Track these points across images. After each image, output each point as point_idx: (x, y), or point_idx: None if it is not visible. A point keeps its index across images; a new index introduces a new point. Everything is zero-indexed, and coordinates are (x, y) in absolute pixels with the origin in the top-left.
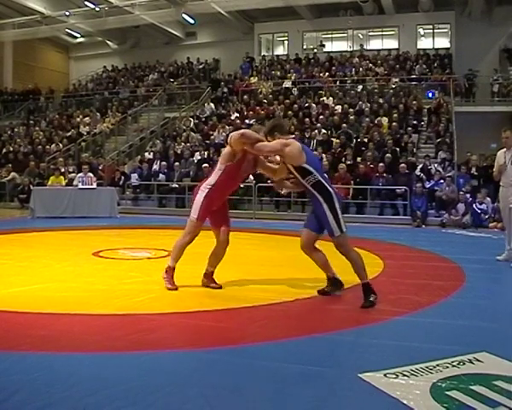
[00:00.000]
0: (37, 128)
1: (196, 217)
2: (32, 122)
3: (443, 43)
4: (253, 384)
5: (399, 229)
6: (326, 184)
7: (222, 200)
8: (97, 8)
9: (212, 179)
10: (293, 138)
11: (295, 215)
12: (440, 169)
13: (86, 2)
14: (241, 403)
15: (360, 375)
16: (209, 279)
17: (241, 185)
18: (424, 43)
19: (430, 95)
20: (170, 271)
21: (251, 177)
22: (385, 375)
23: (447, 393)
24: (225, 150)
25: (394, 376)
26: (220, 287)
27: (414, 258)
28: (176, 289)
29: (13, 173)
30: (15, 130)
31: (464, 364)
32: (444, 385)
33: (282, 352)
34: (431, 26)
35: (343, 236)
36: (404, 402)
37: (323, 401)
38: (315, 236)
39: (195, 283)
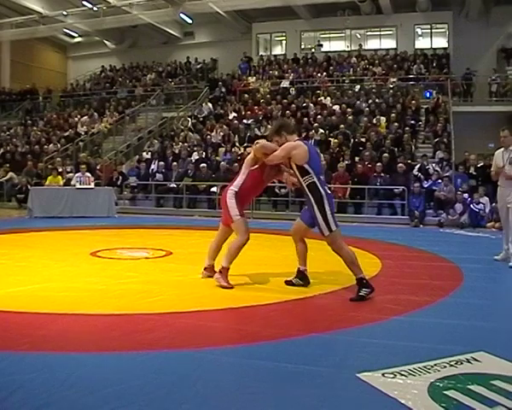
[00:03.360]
0: (34, 128)
1: (239, 214)
2: (29, 122)
3: (441, 42)
4: (251, 384)
5: (397, 229)
6: (319, 186)
7: (248, 200)
8: (95, 8)
9: (237, 183)
10: (300, 140)
11: (293, 215)
12: (438, 169)
13: (84, 2)
14: (238, 403)
15: (358, 375)
16: (211, 271)
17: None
18: (422, 43)
19: (428, 94)
20: (224, 271)
21: None
22: (383, 375)
23: (445, 392)
24: (248, 157)
25: (392, 375)
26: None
27: (412, 258)
28: (232, 287)
29: (11, 173)
30: (13, 130)
31: (462, 363)
32: (442, 385)
33: (280, 352)
34: (429, 26)
35: (333, 235)
36: (402, 402)
37: (322, 400)
38: (305, 228)
39: (193, 282)
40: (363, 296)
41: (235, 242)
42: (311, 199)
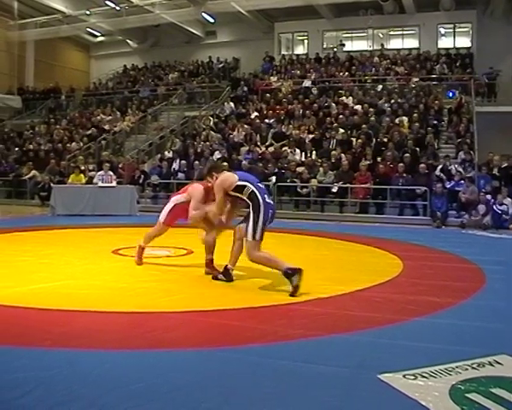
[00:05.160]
0: (57, 126)
1: (163, 221)
2: (52, 120)
3: (464, 42)
4: (273, 384)
5: (419, 229)
6: (259, 195)
7: (183, 215)
8: (118, 8)
9: (180, 198)
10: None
11: (314, 215)
12: (461, 169)
13: (107, 2)
14: (260, 402)
15: (379, 376)
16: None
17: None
18: (445, 43)
19: (451, 94)
20: (140, 250)
21: (273, 178)
22: (404, 376)
23: (466, 395)
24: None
25: (413, 377)
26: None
27: (433, 259)
28: (141, 264)
29: (34, 171)
30: (36, 128)
31: (484, 366)
32: (463, 387)
33: (301, 351)
34: (452, 26)
35: (253, 243)
36: (423, 404)
37: (342, 401)
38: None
39: (214, 281)
40: (296, 285)
41: (152, 231)
42: (250, 208)
